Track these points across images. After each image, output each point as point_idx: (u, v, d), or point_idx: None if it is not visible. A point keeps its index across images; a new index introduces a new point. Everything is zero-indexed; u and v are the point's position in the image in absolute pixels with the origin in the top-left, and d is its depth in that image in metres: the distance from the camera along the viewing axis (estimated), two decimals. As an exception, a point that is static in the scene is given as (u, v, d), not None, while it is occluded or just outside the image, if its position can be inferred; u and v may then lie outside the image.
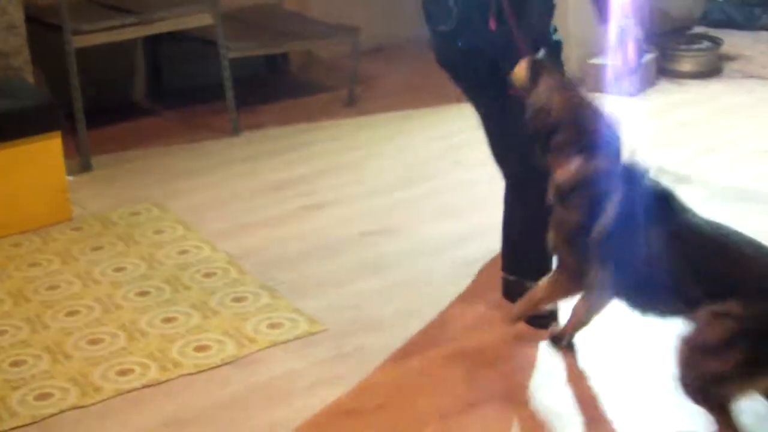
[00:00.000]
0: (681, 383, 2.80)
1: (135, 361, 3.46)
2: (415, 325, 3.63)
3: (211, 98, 5.73)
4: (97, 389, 3.31)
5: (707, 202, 3.86)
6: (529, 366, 3.39)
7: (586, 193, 3.02)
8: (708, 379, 2.73)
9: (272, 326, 3.64)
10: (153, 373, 3.39)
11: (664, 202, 2.94)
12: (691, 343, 2.76)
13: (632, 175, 3.00)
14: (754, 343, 2.68)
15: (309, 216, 4.52)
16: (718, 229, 2.89)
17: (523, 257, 3.65)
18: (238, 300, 3.82)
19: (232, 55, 5.43)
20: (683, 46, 6.17)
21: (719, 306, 2.72)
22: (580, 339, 3.44)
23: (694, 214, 2.95)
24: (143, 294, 3.89)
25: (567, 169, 3.06)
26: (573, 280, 3.22)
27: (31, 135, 4.41)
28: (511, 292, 3.62)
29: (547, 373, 3.35)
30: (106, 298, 3.87)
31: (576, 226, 3.07)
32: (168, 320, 3.70)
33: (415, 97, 5.76)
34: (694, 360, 2.75)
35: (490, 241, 3.88)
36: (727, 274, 2.77)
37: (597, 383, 3.26)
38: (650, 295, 2.97)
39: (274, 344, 3.53)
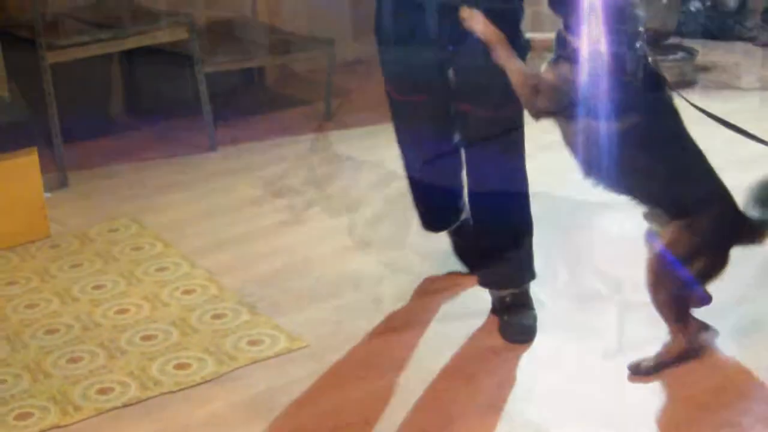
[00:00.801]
0: (657, 300, 3.23)
1: (115, 380, 3.44)
2: (396, 341, 3.63)
3: (188, 113, 5.73)
4: (77, 408, 3.29)
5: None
6: (508, 380, 3.39)
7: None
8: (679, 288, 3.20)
9: (252, 343, 3.63)
10: (133, 392, 3.37)
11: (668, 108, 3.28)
12: (663, 259, 3.18)
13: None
14: (712, 251, 3.19)
15: (287, 231, 4.51)
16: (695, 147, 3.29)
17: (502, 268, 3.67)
18: (217, 317, 3.81)
19: (207, 69, 5.42)
20: (658, 57, 6.18)
21: (684, 221, 3.16)
22: (558, 355, 3.46)
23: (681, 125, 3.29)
24: (122, 312, 3.87)
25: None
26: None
27: (7, 151, 4.39)
28: None
29: (527, 386, 3.35)
30: (85, 316, 3.86)
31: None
32: (147, 338, 3.69)
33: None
34: (667, 274, 3.18)
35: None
36: (692, 191, 3.22)
37: (577, 396, 3.27)
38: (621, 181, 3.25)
39: (255, 361, 3.53)
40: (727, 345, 3.41)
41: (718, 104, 5.67)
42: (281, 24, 6.33)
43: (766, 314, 3.66)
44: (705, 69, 6.32)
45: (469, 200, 3.70)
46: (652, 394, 3.25)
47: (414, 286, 3.98)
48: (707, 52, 6.50)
